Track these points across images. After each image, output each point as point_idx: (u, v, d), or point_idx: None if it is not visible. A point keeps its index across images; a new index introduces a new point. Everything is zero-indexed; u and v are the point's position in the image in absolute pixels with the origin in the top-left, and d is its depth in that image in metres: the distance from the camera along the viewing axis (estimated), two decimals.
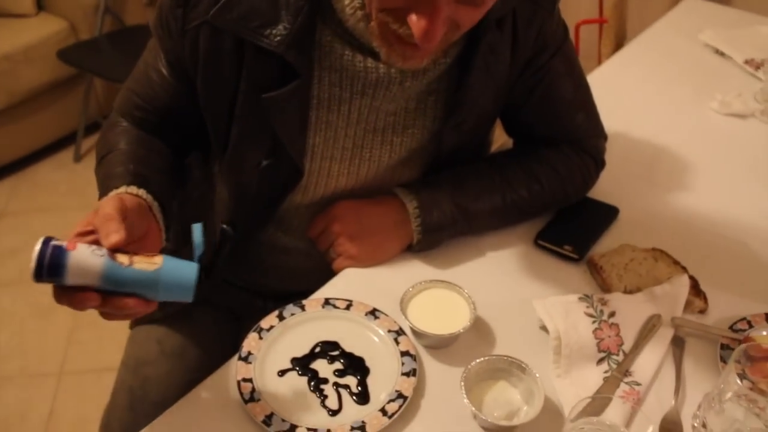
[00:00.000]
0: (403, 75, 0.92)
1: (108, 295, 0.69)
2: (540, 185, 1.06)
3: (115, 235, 0.70)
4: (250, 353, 0.87)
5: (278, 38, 0.86)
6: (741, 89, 1.46)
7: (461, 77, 0.96)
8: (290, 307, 0.93)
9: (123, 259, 0.70)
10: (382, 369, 0.87)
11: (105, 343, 2.05)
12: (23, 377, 2.01)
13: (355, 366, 0.87)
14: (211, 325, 1.14)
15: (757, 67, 1.56)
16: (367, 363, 0.88)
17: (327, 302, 0.94)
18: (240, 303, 1.17)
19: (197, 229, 0.76)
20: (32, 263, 0.67)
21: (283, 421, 0.80)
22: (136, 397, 1.04)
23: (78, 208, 2.54)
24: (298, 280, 1.06)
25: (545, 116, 1.07)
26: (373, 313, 0.93)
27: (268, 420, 0.80)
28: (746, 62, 1.58)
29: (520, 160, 1.09)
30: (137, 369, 1.07)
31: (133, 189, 0.85)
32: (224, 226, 0.85)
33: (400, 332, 0.91)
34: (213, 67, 0.92)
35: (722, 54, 1.62)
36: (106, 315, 0.73)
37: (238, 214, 1.07)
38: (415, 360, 0.87)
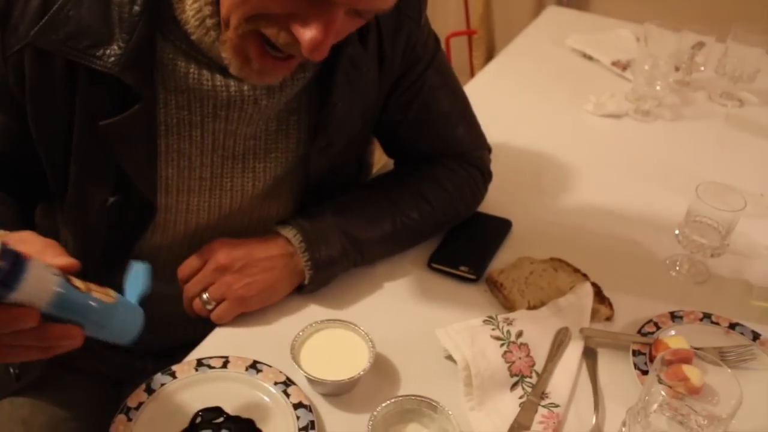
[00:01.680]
0: (258, 93, 0.83)
1: (45, 320, 0.60)
2: (429, 205, 1.00)
3: (63, 258, 0.64)
4: None
5: (112, 59, 0.76)
6: (612, 90, 1.48)
7: (324, 95, 0.88)
8: (159, 377, 0.80)
9: (79, 284, 0.62)
10: (275, 428, 0.77)
11: None
12: None
13: (245, 431, 0.76)
14: (85, 396, 1.01)
15: (624, 68, 1.59)
16: (258, 425, 0.77)
17: (200, 363, 0.82)
18: (116, 366, 1.04)
19: (144, 270, 0.69)
20: None
21: None
22: None
23: None
24: (175, 331, 0.97)
25: (425, 132, 1.02)
26: (254, 366, 0.82)
27: None
28: (613, 64, 1.61)
29: (404, 181, 1.02)
30: None
31: None
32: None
33: (288, 383, 0.80)
34: (42, 95, 0.80)
35: (590, 57, 1.65)
36: (14, 350, 0.61)
37: (86, 263, 0.93)
38: (311, 411, 0.78)
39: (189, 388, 0.80)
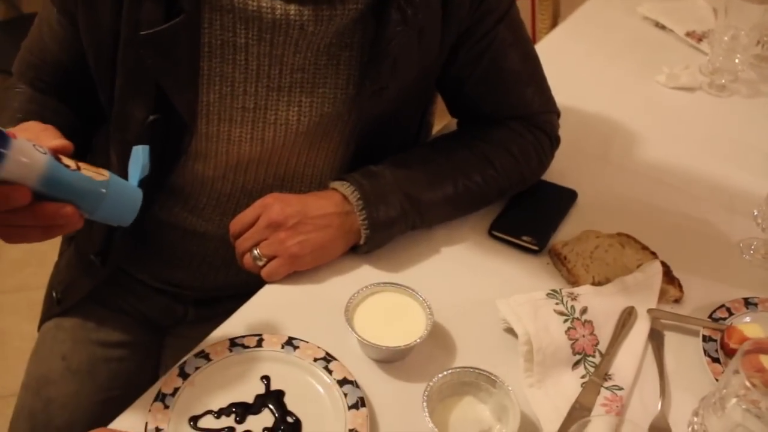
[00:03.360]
0: (305, 18, 0.80)
1: (39, 200, 0.61)
2: (494, 169, 0.95)
3: (57, 140, 0.66)
4: (158, 429, 0.70)
5: None
6: (686, 62, 1.40)
7: (377, 33, 0.84)
8: (192, 360, 0.76)
9: (69, 162, 0.62)
10: (323, 409, 0.73)
11: (10, 366, 1.87)
12: None
13: (285, 415, 0.73)
14: (125, 338, 1.03)
15: (699, 39, 1.51)
16: (301, 407, 0.73)
17: (234, 343, 0.78)
18: (158, 310, 1.06)
19: (143, 151, 0.68)
20: None
21: None
22: (38, 423, 0.95)
23: None
24: (216, 273, 0.96)
25: (493, 89, 0.97)
26: (290, 343, 0.78)
27: None
28: (687, 35, 1.52)
29: (468, 142, 0.98)
30: (39, 390, 0.97)
31: None
32: None
33: (328, 358, 0.77)
34: (92, 7, 0.81)
35: (663, 27, 1.56)
36: (14, 230, 0.64)
37: None
38: (357, 387, 0.74)
39: (224, 370, 0.76)
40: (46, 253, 1.21)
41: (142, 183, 0.68)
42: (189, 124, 0.85)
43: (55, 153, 0.62)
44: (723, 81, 1.36)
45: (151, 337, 1.07)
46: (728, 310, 0.87)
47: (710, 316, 0.87)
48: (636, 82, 1.37)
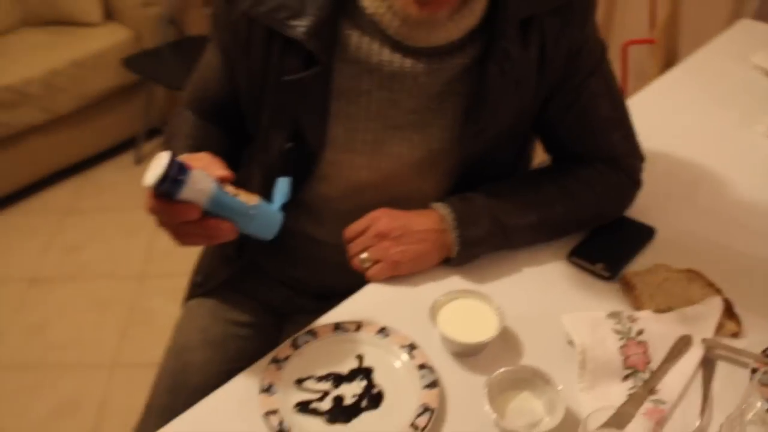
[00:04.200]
0: (419, 70, 0.97)
1: (206, 216, 0.81)
2: (574, 202, 1.08)
3: (222, 171, 0.84)
4: (271, 385, 0.88)
5: (302, 29, 0.93)
6: None
7: (480, 84, 0.99)
8: (303, 336, 0.95)
9: (230, 189, 0.82)
10: (403, 386, 0.89)
11: (156, 340, 2.13)
12: (79, 367, 2.10)
13: (371, 386, 0.90)
14: (253, 319, 1.20)
15: None
16: (386, 383, 0.90)
17: (337, 327, 0.96)
18: (281, 299, 1.23)
19: (284, 182, 0.88)
20: (158, 171, 0.75)
21: None
22: (177, 382, 1.09)
23: (136, 208, 2.64)
24: (332, 274, 1.11)
25: (582, 134, 1.09)
26: (383, 331, 0.95)
27: None
28: None
29: (555, 177, 1.11)
30: (180, 355, 1.13)
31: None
32: None
33: (413, 346, 0.93)
34: (248, 55, 1.00)
35: None
36: (187, 236, 0.84)
37: (265, 196, 1.12)
38: (433, 371, 0.90)
39: (327, 346, 0.94)
40: (191, 250, 1.44)
41: (284, 207, 0.87)
42: (317, 153, 1.04)
43: (221, 181, 0.82)
44: None
45: (274, 321, 1.23)
46: None
47: (764, 352, 0.95)
48: (734, 131, 1.43)
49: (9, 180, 2.68)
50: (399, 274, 1.04)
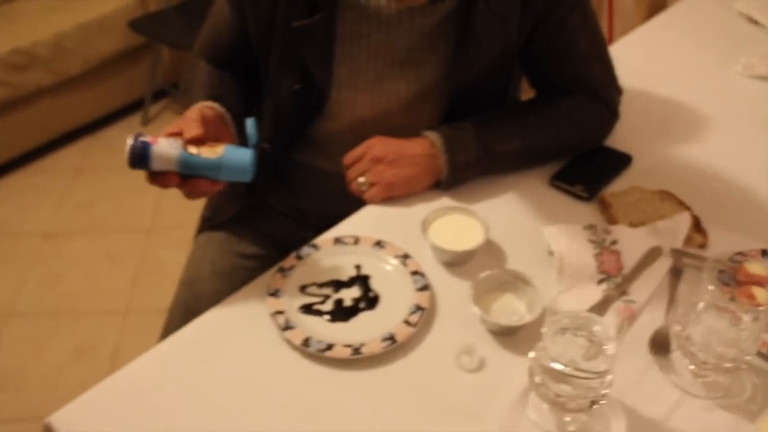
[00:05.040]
0: (414, 13, 1.06)
1: (185, 178, 0.92)
2: (556, 130, 1.16)
3: (194, 130, 0.93)
4: (278, 290, 0.97)
5: None
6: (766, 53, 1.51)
7: (467, 21, 1.07)
8: (306, 249, 1.04)
9: (193, 150, 0.91)
10: (397, 290, 0.98)
11: (166, 288, 2.23)
12: (93, 314, 2.21)
13: (368, 291, 0.99)
14: (259, 251, 1.28)
15: None
16: (382, 287, 0.99)
17: (337, 240, 1.05)
18: (285, 232, 1.31)
19: (249, 122, 0.93)
20: (126, 155, 0.87)
21: (320, 342, 0.90)
22: (189, 309, 1.16)
23: None
24: (334, 201, 1.18)
25: (563, 67, 1.17)
26: (379, 243, 1.04)
27: (306, 343, 0.90)
28: None
29: (539, 108, 1.19)
30: (192, 285, 1.22)
31: (207, 103, 1.04)
32: (264, 144, 1.03)
33: (406, 256, 1.02)
34: (256, 4, 1.09)
35: (755, 22, 1.67)
36: (189, 194, 0.97)
37: (274, 134, 1.22)
38: (424, 277, 0.99)
39: (328, 258, 1.04)
40: (196, 201, 1.53)
41: (255, 146, 0.96)
42: (324, 92, 1.12)
43: (192, 141, 0.91)
44: None
45: (279, 253, 1.27)
46: (745, 256, 1.04)
47: (729, 260, 1.03)
48: (714, 70, 1.50)
49: (21, 141, 2.76)
50: (393, 195, 1.12)
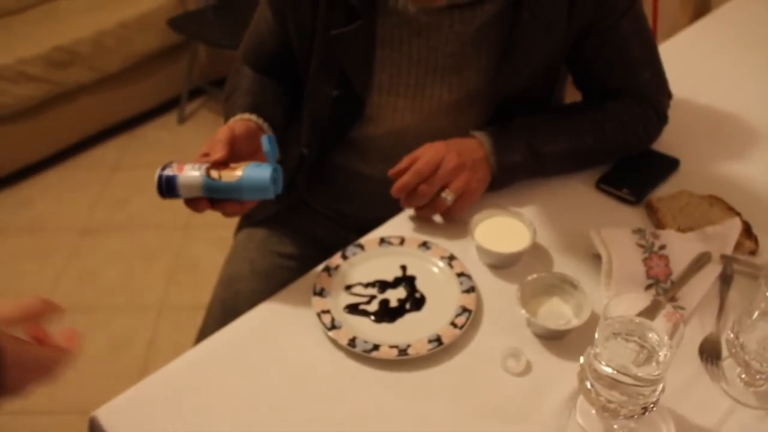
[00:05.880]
0: (453, 19, 1.05)
1: (215, 201, 0.94)
2: (604, 133, 1.15)
3: (218, 153, 0.93)
4: (323, 289, 0.98)
5: None
6: None
7: (512, 28, 1.06)
8: (351, 248, 1.04)
9: (214, 174, 0.92)
10: (443, 292, 0.97)
11: (200, 285, 2.26)
12: (129, 309, 2.24)
13: (414, 292, 0.98)
14: (299, 252, 1.29)
15: None
16: (429, 290, 0.98)
17: (383, 240, 1.05)
18: (325, 233, 1.31)
19: (266, 140, 0.94)
20: (156, 188, 0.91)
21: (366, 342, 0.90)
22: (228, 310, 1.16)
23: None
24: (373, 206, 1.18)
25: (613, 73, 1.15)
26: (425, 244, 1.03)
27: (352, 343, 0.90)
28: None
29: (586, 111, 1.18)
30: (230, 284, 1.22)
31: (245, 115, 1.05)
32: (302, 148, 1.02)
33: (452, 257, 1.01)
34: (296, 11, 1.09)
35: None
36: (224, 215, 0.97)
37: (312, 138, 1.22)
38: (471, 279, 0.98)
39: (373, 258, 1.03)
40: None
41: (277, 161, 0.95)
42: (363, 97, 1.12)
43: (210, 167, 0.92)
44: None
45: (318, 254, 1.26)
46: None
47: None
48: (763, 74, 1.48)
49: (60, 137, 2.81)
50: (473, 202, 1.07)
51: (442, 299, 0.97)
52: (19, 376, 0.66)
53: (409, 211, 1.12)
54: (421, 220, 1.10)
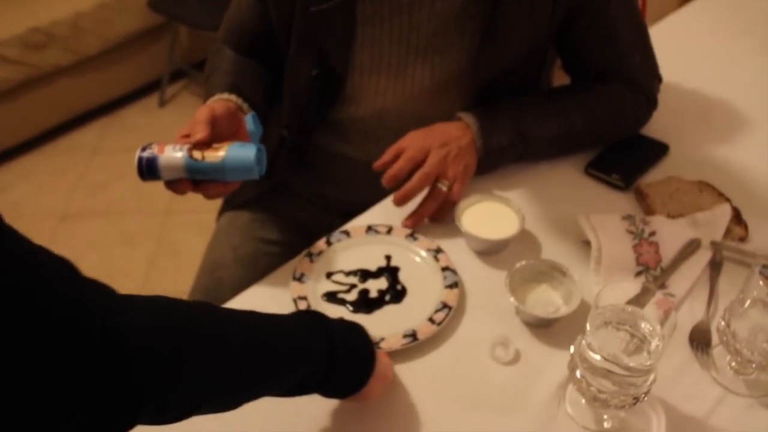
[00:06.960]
0: None
1: (197, 182, 0.90)
2: (593, 118, 1.12)
3: (199, 134, 0.90)
4: (303, 274, 0.96)
5: None
6: None
7: (494, 7, 1.03)
8: (337, 234, 1.01)
9: (197, 155, 0.88)
10: (425, 285, 0.95)
11: (182, 270, 2.22)
12: None
13: (396, 284, 0.96)
14: (283, 237, 1.26)
15: None
16: (412, 281, 0.96)
17: (370, 228, 1.02)
18: (309, 217, 1.29)
19: (250, 119, 0.91)
20: (135, 169, 0.86)
21: None
22: (210, 297, 1.15)
23: None
24: (357, 189, 1.16)
25: (603, 56, 1.13)
26: (412, 235, 1.01)
27: None
28: None
29: (574, 94, 1.16)
30: (213, 271, 1.20)
31: (225, 95, 1.01)
32: (282, 129, 0.99)
33: (438, 250, 0.99)
34: None
35: None
36: (206, 197, 0.93)
37: (292, 119, 1.19)
38: (455, 274, 0.96)
39: (358, 246, 1.01)
40: None
41: (260, 141, 0.93)
42: (342, 77, 1.10)
43: (192, 148, 0.88)
44: None
45: (303, 239, 1.25)
46: None
47: None
48: (752, 58, 1.46)
49: (38, 121, 2.75)
50: (466, 184, 1.06)
51: (424, 293, 0.94)
52: (374, 383, 0.78)
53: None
54: (410, 206, 1.07)
